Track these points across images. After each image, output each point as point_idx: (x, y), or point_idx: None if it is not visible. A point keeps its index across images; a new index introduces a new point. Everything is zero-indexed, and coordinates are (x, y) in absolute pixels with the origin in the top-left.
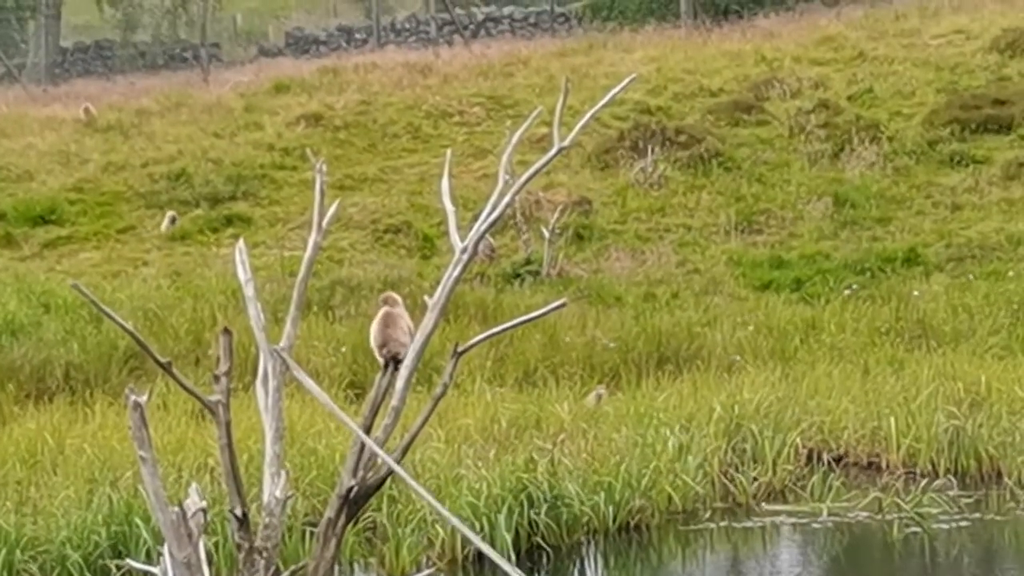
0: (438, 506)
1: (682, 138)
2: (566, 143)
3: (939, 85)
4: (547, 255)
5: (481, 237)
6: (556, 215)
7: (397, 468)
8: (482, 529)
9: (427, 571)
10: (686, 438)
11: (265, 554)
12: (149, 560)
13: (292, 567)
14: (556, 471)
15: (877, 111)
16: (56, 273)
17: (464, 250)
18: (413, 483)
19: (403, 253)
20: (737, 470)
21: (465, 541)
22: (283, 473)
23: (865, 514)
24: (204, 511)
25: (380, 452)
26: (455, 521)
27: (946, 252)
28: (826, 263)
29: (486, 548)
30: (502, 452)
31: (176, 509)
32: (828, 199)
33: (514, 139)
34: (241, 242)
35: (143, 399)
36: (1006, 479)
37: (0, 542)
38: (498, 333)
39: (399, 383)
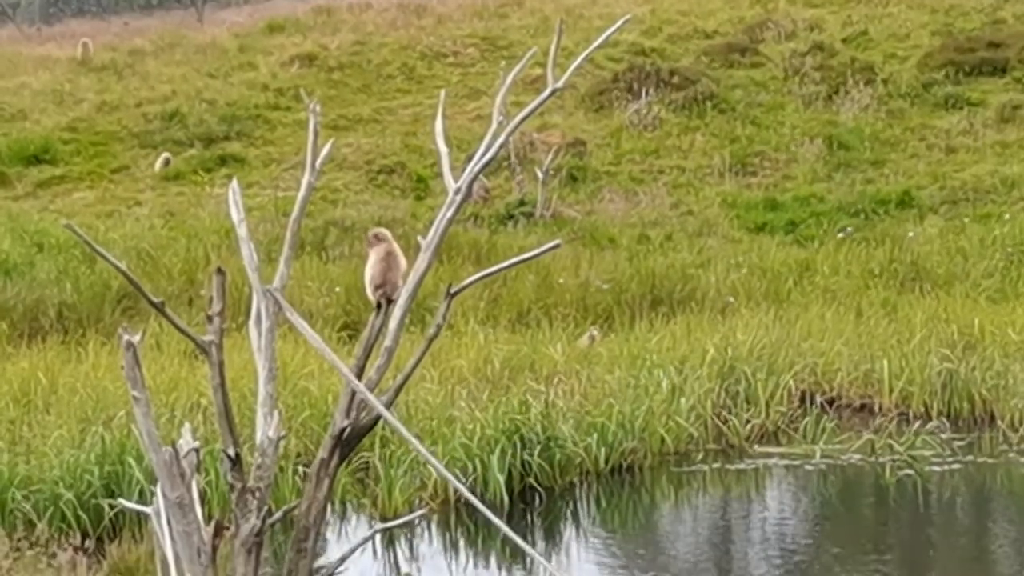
0: (425, 452)
1: (676, 80)
2: (560, 84)
3: (934, 27)
4: (541, 196)
5: (475, 178)
6: (550, 156)
7: (386, 414)
8: (475, 470)
9: (419, 511)
10: (679, 380)
11: (258, 494)
12: (142, 500)
13: (285, 507)
14: (549, 412)
15: (872, 53)
16: (49, 213)
17: (458, 191)
18: (401, 428)
19: (397, 194)
20: (730, 412)
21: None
22: (276, 413)
23: (858, 456)
24: (197, 451)
25: (370, 397)
26: (440, 468)
27: (940, 195)
28: (820, 205)
29: (468, 493)
30: (495, 393)
31: (169, 449)
32: (822, 141)
33: (508, 80)
34: (235, 182)
35: (136, 339)
36: (999, 422)
37: None
38: (491, 274)
39: (392, 324)
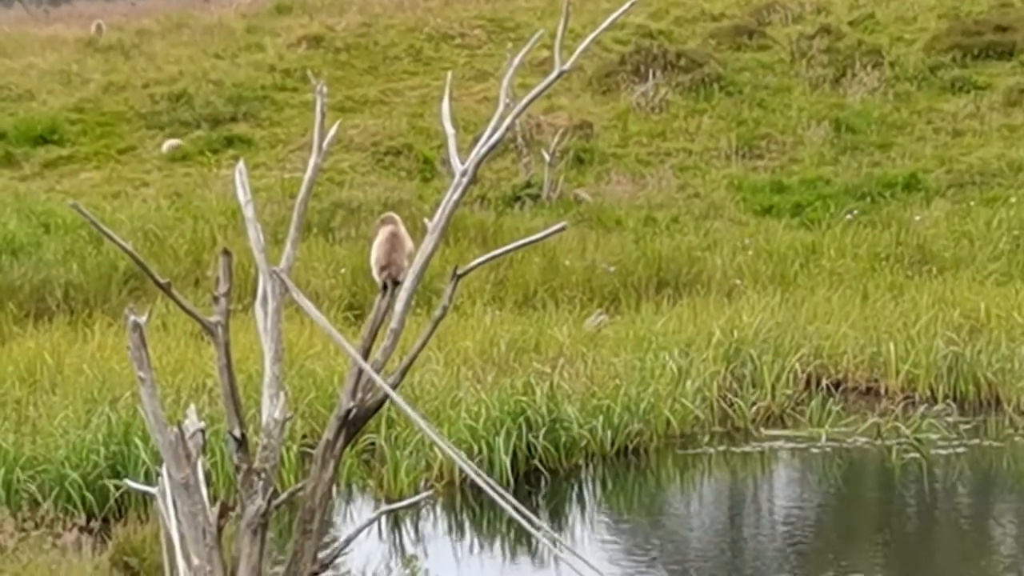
0: (432, 434)
1: (683, 62)
2: (567, 66)
3: (941, 11)
4: (547, 178)
5: (482, 160)
6: (557, 139)
7: (393, 395)
8: (480, 452)
9: (425, 493)
10: (685, 362)
11: (263, 475)
12: (147, 480)
13: (290, 488)
14: (555, 395)
15: (879, 36)
16: (56, 193)
17: (464, 173)
18: (408, 410)
19: (403, 175)
20: (736, 395)
21: None
22: (282, 394)
23: (864, 439)
24: (202, 432)
25: (377, 378)
26: (447, 448)
27: (947, 178)
28: (826, 188)
29: (475, 472)
30: (501, 375)
31: (175, 430)
32: (829, 124)
33: (515, 62)
34: (241, 163)
35: (142, 320)
36: (1005, 405)
37: None
38: (498, 256)
39: (398, 305)
